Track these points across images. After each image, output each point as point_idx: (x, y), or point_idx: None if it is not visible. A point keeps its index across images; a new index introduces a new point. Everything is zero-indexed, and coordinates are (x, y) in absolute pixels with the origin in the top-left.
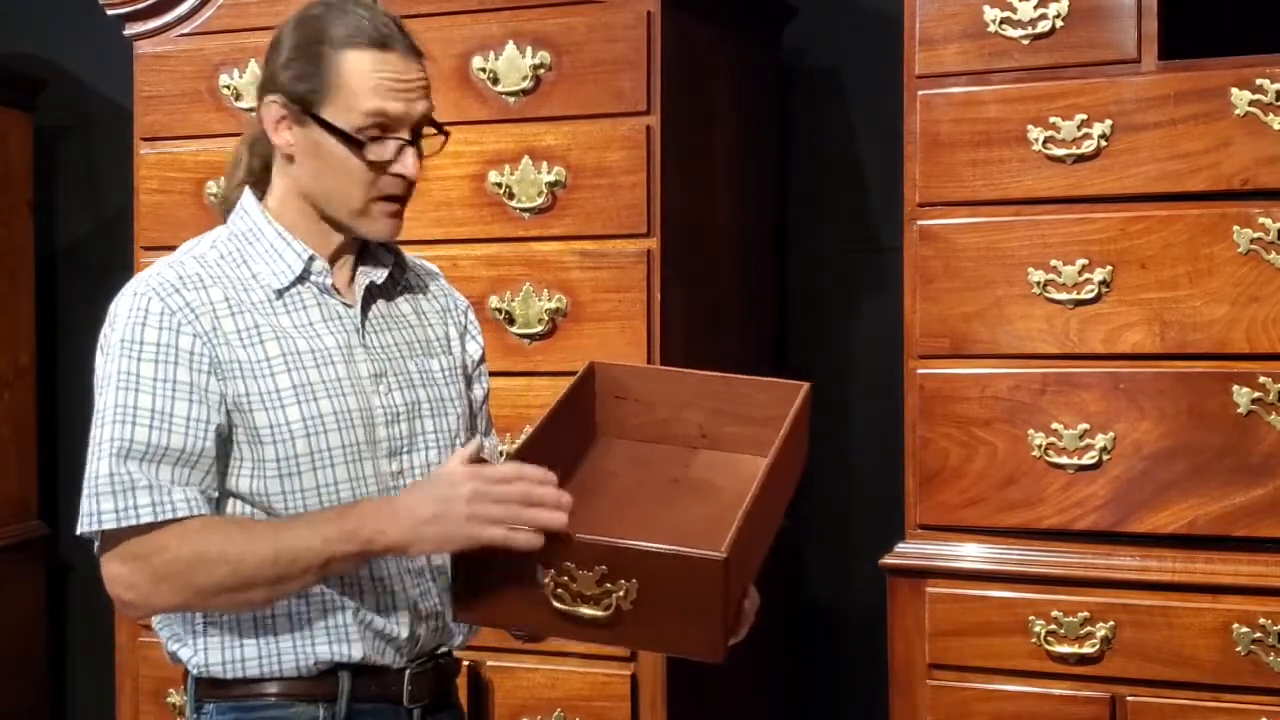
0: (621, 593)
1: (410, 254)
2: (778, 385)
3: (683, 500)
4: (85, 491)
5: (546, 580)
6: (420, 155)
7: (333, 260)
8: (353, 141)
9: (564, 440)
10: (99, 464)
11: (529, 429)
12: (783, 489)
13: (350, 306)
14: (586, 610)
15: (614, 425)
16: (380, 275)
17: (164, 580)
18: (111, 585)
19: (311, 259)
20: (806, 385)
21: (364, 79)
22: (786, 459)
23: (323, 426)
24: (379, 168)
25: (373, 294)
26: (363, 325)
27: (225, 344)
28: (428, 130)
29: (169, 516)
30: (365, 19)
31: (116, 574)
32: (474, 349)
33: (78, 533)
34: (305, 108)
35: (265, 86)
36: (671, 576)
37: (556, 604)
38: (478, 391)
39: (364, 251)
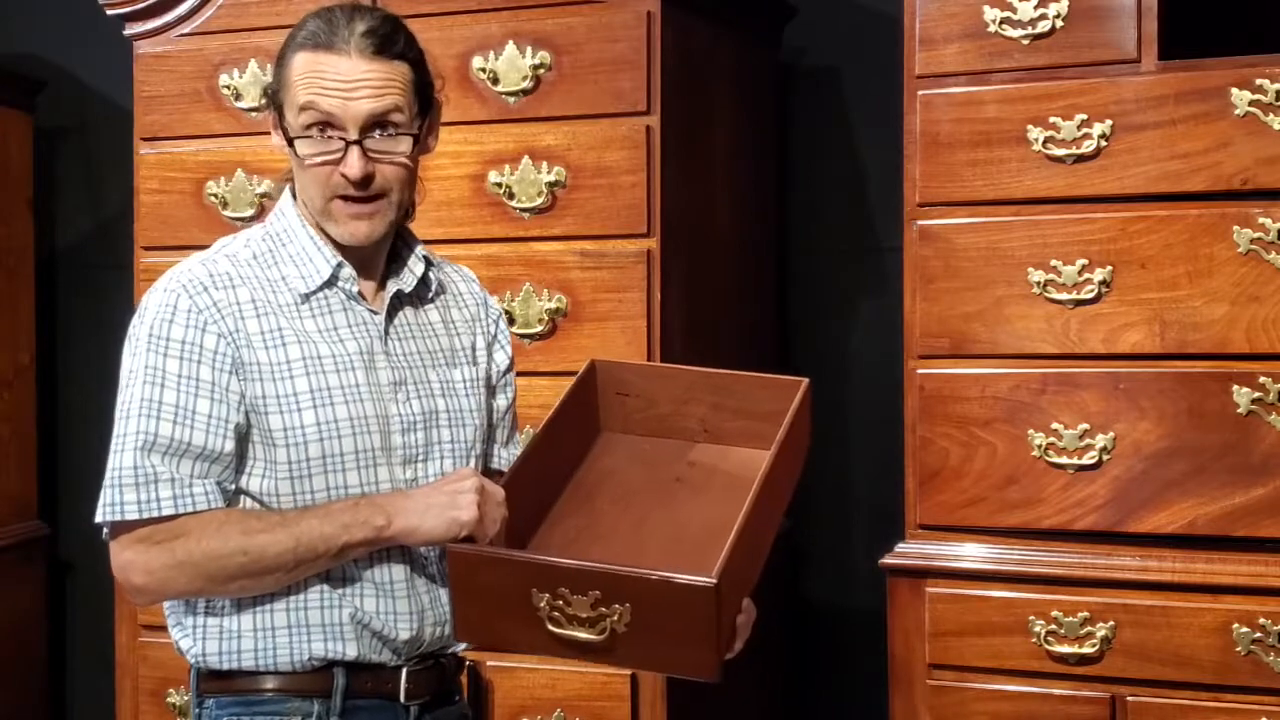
0: (615, 617)
1: (446, 260)
2: (778, 381)
3: (684, 501)
4: (108, 481)
5: (542, 604)
6: (397, 154)
7: (359, 265)
8: (289, 138)
9: (568, 438)
10: (123, 456)
11: (530, 429)
12: (781, 492)
13: (376, 313)
14: (581, 634)
15: (617, 421)
16: (409, 283)
17: (181, 567)
18: (125, 571)
19: (340, 265)
20: (805, 381)
21: (301, 77)
22: (785, 461)
23: (336, 432)
24: (319, 165)
25: (400, 301)
26: (386, 332)
27: (248, 345)
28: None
29: (189, 509)
30: (325, 24)
31: (132, 560)
32: (501, 359)
33: (97, 520)
34: (276, 109)
35: None
36: (663, 601)
37: (552, 627)
38: (500, 401)
39: (394, 259)
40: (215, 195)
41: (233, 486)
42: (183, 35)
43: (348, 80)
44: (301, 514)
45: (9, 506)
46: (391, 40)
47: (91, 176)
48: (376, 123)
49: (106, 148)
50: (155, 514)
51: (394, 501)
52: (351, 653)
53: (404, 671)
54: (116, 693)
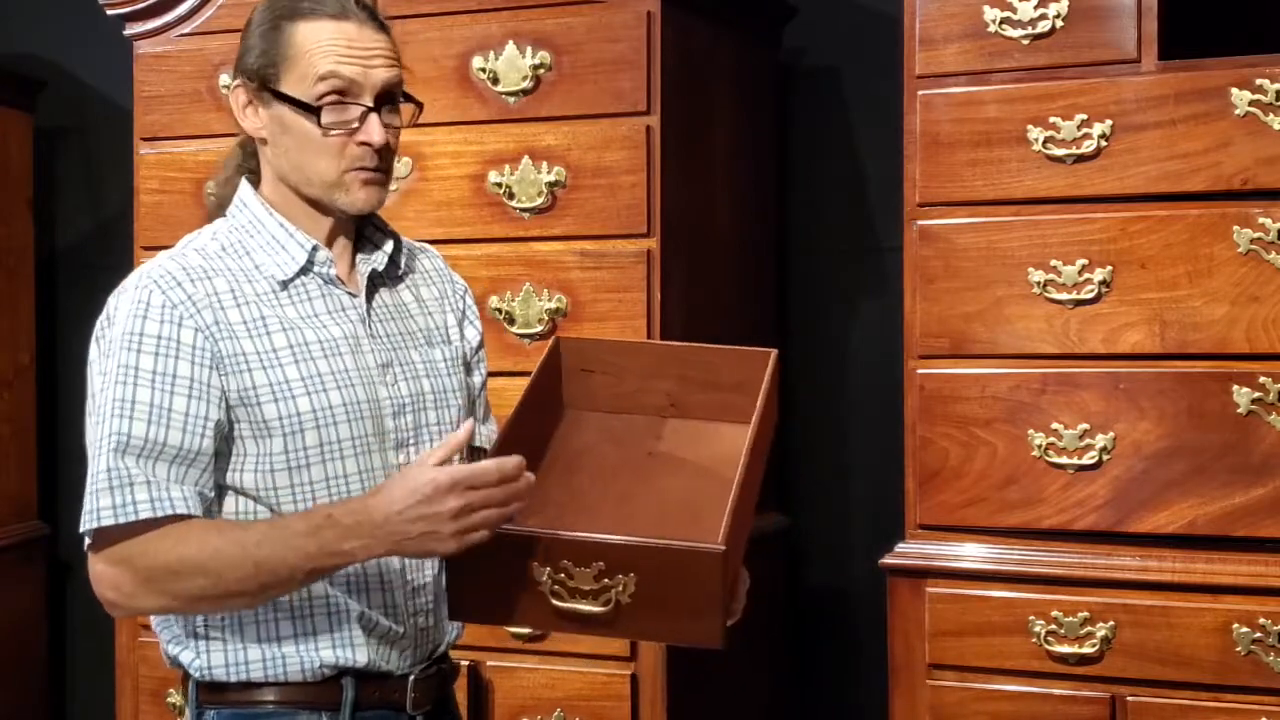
0: (620, 588)
1: (406, 237)
2: (744, 353)
3: (660, 474)
4: (87, 489)
5: (544, 578)
6: (397, 125)
7: (328, 246)
8: (309, 109)
9: (538, 418)
10: (98, 460)
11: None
12: (760, 461)
13: (355, 296)
14: (585, 606)
15: (582, 398)
16: (380, 261)
17: (148, 584)
18: (97, 584)
19: (315, 249)
20: (774, 352)
21: (316, 46)
22: (764, 432)
23: (333, 418)
24: (340, 135)
25: (375, 282)
26: (368, 314)
27: (230, 336)
28: (397, 105)
29: (167, 512)
30: None
31: (103, 573)
32: (473, 335)
33: (80, 530)
34: (264, 84)
35: (233, 74)
36: (670, 570)
37: (555, 601)
38: (475, 378)
39: (361, 238)
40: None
41: (212, 493)
42: (183, 35)
43: (366, 48)
44: (264, 538)
45: (9, 506)
46: (378, 16)
47: (91, 176)
48: (387, 92)
49: (106, 148)
50: (132, 518)
51: (363, 527)
52: (361, 659)
53: (410, 679)
54: (116, 693)
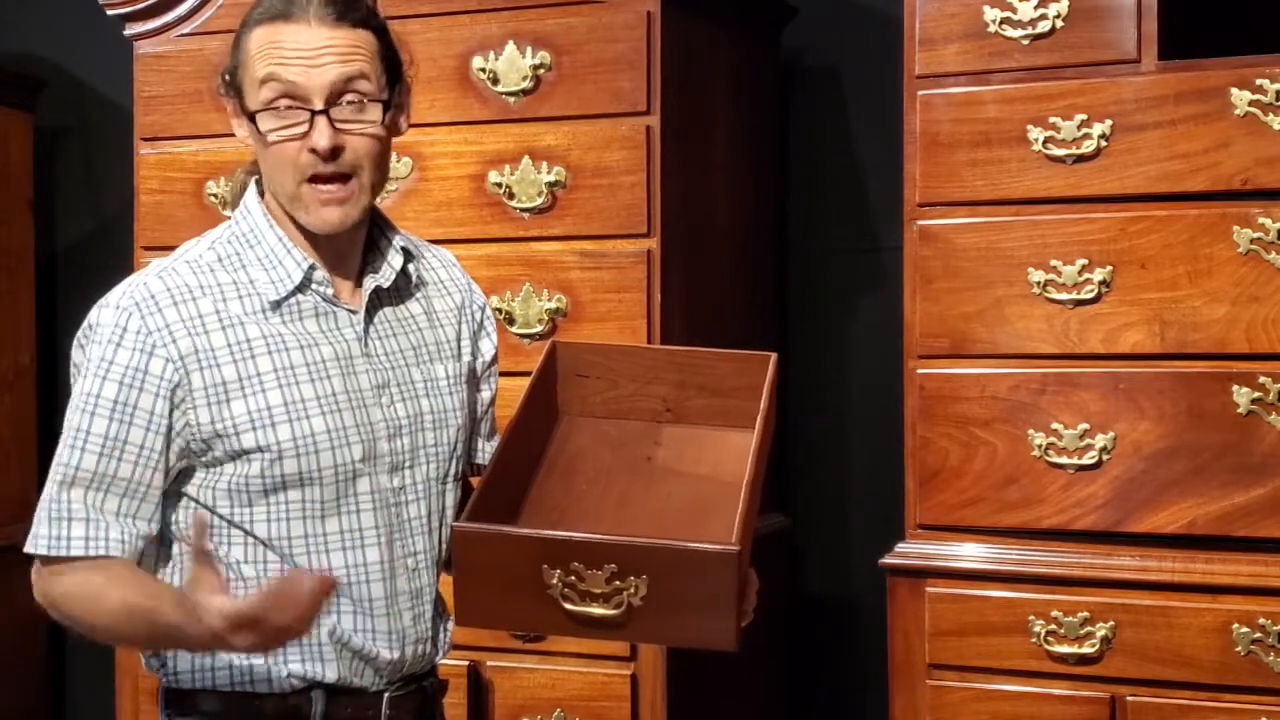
0: (632, 590)
1: (426, 243)
2: (743, 356)
3: (660, 480)
4: (36, 511)
5: (554, 581)
6: (366, 121)
7: (334, 261)
8: (251, 115)
9: (536, 423)
10: (49, 488)
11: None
12: (763, 464)
13: (354, 313)
14: (597, 610)
15: (577, 404)
16: (387, 277)
17: (51, 607)
18: (33, 587)
19: (312, 268)
20: (773, 356)
21: (259, 50)
22: (766, 437)
23: (314, 446)
24: (286, 142)
25: (379, 298)
26: (366, 332)
27: (211, 364)
28: (351, 98)
29: (100, 553)
30: None
31: (34, 582)
32: (487, 348)
33: (24, 550)
34: (233, 93)
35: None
36: (683, 571)
37: (566, 605)
38: (485, 394)
39: (370, 248)
40: (215, 195)
41: (158, 528)
42: (183, 35)
43: (310, 48)
44: (136, 611)
45: (9, 506)
46: (353, 6)
47: (91, 176)
48: (343, 91)
49: (106, 148)
50: (64, 553)
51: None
52: (331, 675)
53: (385, 697)
54: (116, 693)
